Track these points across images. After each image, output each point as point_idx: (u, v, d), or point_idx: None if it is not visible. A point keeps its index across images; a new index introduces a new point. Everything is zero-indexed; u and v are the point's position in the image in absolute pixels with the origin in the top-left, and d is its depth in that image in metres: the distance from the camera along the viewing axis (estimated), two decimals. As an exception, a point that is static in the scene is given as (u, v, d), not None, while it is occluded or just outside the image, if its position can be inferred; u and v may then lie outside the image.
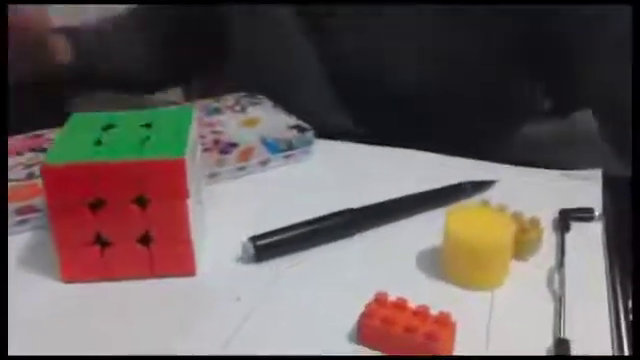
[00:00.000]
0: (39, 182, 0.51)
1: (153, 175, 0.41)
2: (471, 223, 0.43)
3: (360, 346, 0.38)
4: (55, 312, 0.41)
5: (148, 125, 0.45)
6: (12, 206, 0.48)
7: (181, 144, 0.42)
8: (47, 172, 0.40)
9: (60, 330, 0.40)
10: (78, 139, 0.43)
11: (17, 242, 0.48)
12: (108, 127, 0.45)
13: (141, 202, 0.41)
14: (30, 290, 0.43)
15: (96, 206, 0.41)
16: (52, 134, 0.60)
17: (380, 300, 0.38)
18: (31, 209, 0.49)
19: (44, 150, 0.56)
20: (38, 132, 0.60)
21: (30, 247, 0.47)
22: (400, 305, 0.38)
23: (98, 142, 0.43)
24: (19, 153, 0.55)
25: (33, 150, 0.56)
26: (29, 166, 0.53)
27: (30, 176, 0.52)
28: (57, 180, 0.40)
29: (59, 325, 0.40)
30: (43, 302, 0.42)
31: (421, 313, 0.37)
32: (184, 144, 0.42)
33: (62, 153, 0.42)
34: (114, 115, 0.47)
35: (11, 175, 0.51)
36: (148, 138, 0.43)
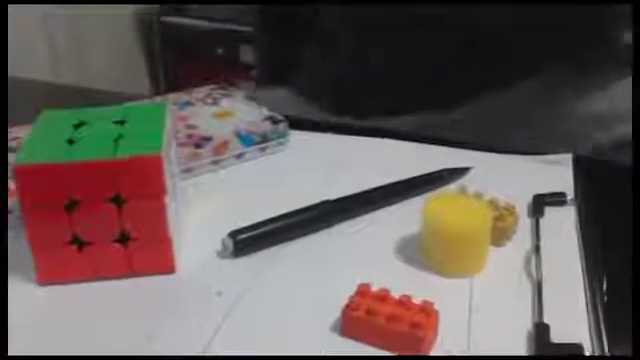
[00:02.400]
0: (9, 183, 0.50)
1: (129, 173, 0.40)
2: (449, 211, 0.43)
3: (344, 338, 0.38)
4: (32, 316, 0.40)
5: (121, 122, 0.44)
6: (-18, 208, 0.47)
7: (156, 140, 0.42)
8: (20, 173, 0.39)
9: (39, 334, 0.39)
10: (49, 138, 0.42)
11: (-11, 245, 0.46)
12: (80, 124, 0.44)
13: (117, 201, 0.41)
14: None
15: (71, 206, 0.40)
16: (18, 132, 0.58)
17: (363, 291, 0.39)
18: (2, 210, 0.48)
19: (12, 149, 0.55)
20: (3, 130, 0.59)
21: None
22: (383, 296, 0.38)
23: (70, 141, 0.42)
24: (-14, 152, 0.54)
25: (0, 149, 0.55)
26: (-3, 166, 0.52)
27: None
28: (30, 181, 0.40)
29: (37, 329, 0.39)
30: (19, 306, 0.41)
31: (404, 303, 0.38)
32: (159, 140, 0.42)
33: (34, 153, 0.41)
34: (85, 112, 0.46)
35: (-21, 176, 0.50)
36: (122, 135, 0.42)
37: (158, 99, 0.65)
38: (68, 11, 1.40)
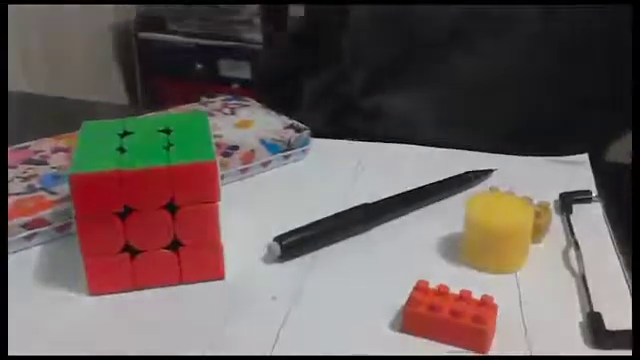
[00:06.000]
0: (44, 194, 0.49)
1: (184, 180, 0.40)
2: (493, 209, 0.44)
3: (405, 334, 0.39)
4: (83, 325, 0.40)
5: (166, 130, 0.45)
6: (19, 221, 0.46)
7: (207, 147, 0.42)
8: (76, 181, 0.39)
9: (90, 346, 0.38)
10: (99, 147, 0.42)
11: (28, 257, 0.46)
12: (125, 134, 0.44)
13: (171, 208, 0.41)
14: (55, 306, 0.41)
15: (125, 214, 0.40)
16: (37, 145, 0.57)
17: (422, 288, 0.40)
18: (39, 222, 0.47)
19: (38, 162, 0.54)
20: (21, 145, 0.58)
21: (44, 262, 0.46)
22: (442, 291, 0.39)
23: (120, 149, 0.42)
24: (11, 166, 0.53)
25: (25, 162, 0.54)
26: (26, 179, 0.51)
27: (30, 189, 0.50)
28: (86, 189, 0.39)
29: (88, 340, 0.39)
30: (71, 317, 0.40)
31: (465, 298, 0.39)
32: (210, 147, 0.42)
33: (88, 162, 0.40)
34: (127, 121, 0.46)
35: (11, 189, 0.49)
36: (171, 143, 0.43)
37: (171, 110, 0.64)
38: (44, 22, 1.38)
